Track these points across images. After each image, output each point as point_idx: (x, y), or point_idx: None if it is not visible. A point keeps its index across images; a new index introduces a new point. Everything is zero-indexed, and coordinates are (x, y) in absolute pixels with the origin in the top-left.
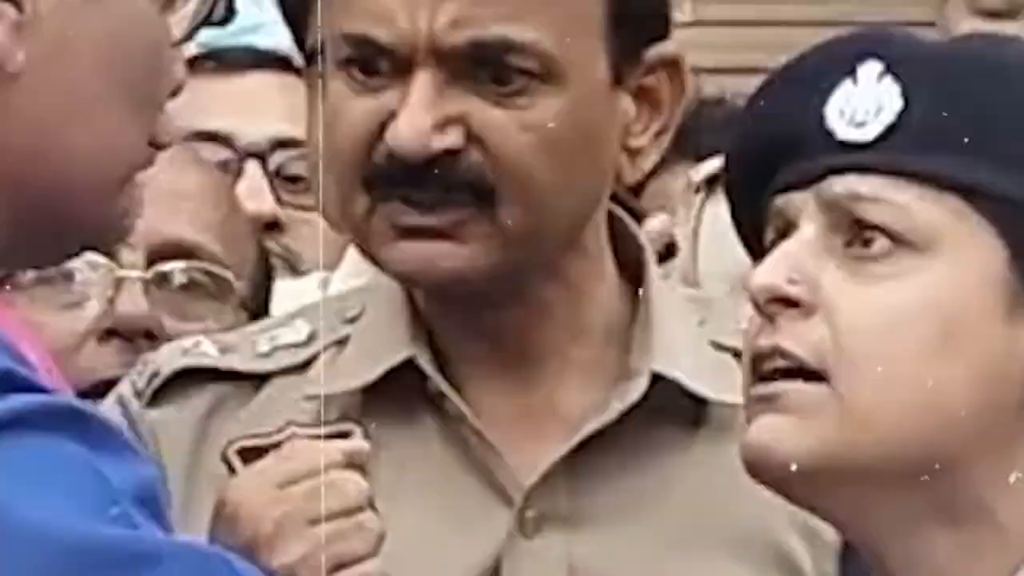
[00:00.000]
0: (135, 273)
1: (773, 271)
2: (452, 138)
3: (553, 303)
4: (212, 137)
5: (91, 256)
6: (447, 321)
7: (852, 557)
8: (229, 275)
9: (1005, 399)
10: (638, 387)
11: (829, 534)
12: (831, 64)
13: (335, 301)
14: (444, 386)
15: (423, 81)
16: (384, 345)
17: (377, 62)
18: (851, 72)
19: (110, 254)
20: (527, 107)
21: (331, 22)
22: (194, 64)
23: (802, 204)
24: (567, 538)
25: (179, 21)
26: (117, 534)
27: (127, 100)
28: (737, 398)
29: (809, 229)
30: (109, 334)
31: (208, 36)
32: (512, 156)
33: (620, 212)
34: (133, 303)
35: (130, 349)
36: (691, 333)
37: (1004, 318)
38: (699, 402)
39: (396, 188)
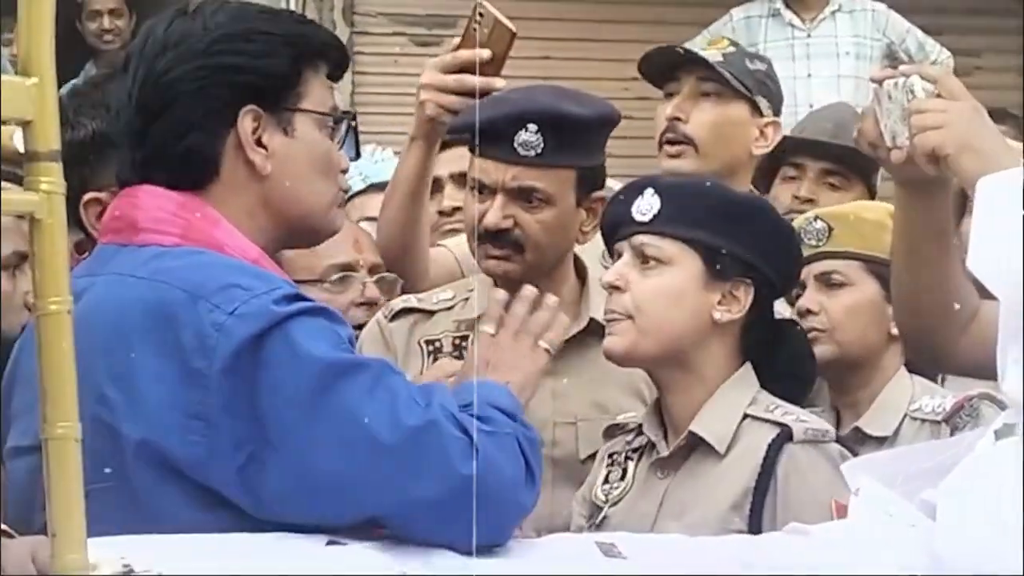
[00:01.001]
0: (370, 279)
1: (610, 274)
2: (507, 223)
3: (550, 288)
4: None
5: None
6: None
7: None
8: (392, 276)
9: (703, 322)
10: (583, 321)
11: None
12: (635, 189)
13: (463, 284)
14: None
15: (500, 198)
16: (484, 300)
17: (484, 190)
18: (641, 193)
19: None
20: (539, 212)
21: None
22: (368, 190)
23: (623, 247)
24: (556, 379)
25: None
26: (346, 355)
27: (323, 174)
28: None
29: (627, 256)
30: (359, 304)
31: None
32: (531, 233)
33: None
34: (373, 290)
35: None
36: (601, 301)
37: (702, 288)
38: (602, 326)
39: (487, 239)
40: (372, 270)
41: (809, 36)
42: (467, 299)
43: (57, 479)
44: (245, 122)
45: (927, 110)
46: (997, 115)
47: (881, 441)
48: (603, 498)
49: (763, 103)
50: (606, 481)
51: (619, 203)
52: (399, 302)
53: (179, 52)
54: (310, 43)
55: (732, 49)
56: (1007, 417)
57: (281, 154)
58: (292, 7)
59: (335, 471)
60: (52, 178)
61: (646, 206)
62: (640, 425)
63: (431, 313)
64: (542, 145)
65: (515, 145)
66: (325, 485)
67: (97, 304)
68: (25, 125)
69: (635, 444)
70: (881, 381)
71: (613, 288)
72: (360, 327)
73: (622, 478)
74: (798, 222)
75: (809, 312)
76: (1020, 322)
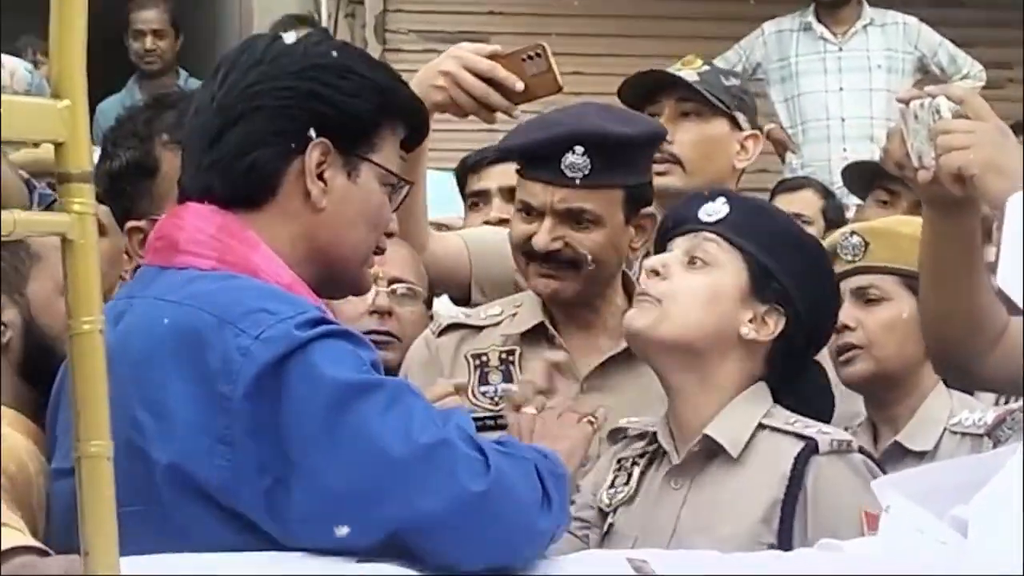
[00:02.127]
0: (384, 288)
1: (654, 260)
2: (557, 244)
3: (598, 305)
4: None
5: None
6: (555, 310)
7: None
8: (419, 288)
9: (728, 332)
10: None
11: None
12: (707, 195)
13: (511, 300)
14: (552, 330)
15: (548, 220)
16: (531, 315)
17: (531, 212)
18: (712, 199)
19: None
20: (589, 232)
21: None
22: None
23: (675, 243)
24: (600, 396)
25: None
26: (366, 377)
27: (372, 226)
28: None
29: (677, 252)
30: (371, 312)
31: None
32: (584, 251)
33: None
34: (383, 299)
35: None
36: None
37: (739, 300)
38: None
39: (537, 259)
40: (391, 283)
41: (841, 50)
42: (514, 314)
43: (90, 497)
44: (314, 153)
45: (953, 130)
46: (1020, 128)
47: (921, 456)
48: (607, 502)
49: (741, 118)
50: (612, 485)
51: (688, 203)
52: (447, 319)
53: (272, 68)
54: (397, 100)
55: (706, 68)
56: None
57: (339, 195)
58: (324, 25)
59: (351, 490)
60: (84, 199)
61: (713, 209)
62: (648, 432)
63: (479, 328)
64: (589, 167)
65: (562, 167)
66: (343, 505)
67: (133, 327)
68: (57, 147)
69: (643, 451)
70: (919, 396)
71: (653, 273)
72: (369, 334)
73: (626, 483)
74: (834, 237)
75: (846, 328)
76: None
